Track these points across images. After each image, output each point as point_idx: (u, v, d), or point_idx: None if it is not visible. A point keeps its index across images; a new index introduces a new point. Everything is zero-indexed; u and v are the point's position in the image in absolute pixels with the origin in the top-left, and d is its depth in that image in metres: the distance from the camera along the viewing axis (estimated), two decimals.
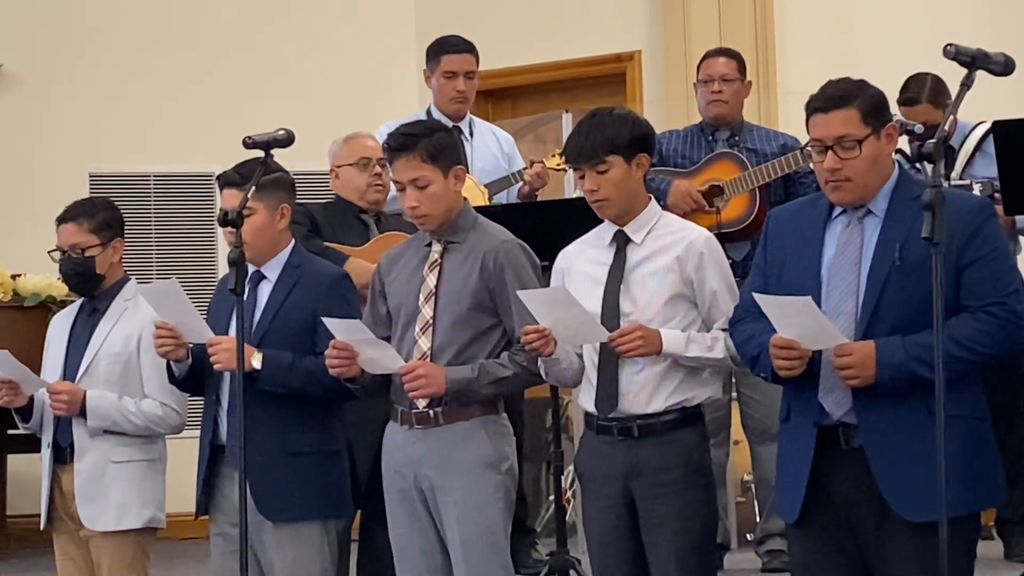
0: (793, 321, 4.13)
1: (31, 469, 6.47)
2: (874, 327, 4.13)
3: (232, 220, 4.95)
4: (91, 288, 5.67)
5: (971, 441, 4.14)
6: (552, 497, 7.03)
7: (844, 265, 4.23)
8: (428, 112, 7.06)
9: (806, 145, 4.32)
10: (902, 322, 4.11)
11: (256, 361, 5.03)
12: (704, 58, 7.02)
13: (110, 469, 5.54)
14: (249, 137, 5.06)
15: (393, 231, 6.24)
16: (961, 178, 6.47)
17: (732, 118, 6.89)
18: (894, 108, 5.32)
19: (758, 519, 6.92)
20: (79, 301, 5.80)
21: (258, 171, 5.04)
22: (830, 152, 4.20)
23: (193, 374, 5.22)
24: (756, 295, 4.23)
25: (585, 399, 4.76)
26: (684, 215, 6.11)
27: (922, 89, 6.61)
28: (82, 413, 5.51)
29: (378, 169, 6.31)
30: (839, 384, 4.16)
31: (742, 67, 6.96)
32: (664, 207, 5.36)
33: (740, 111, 6.95)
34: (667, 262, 4.69)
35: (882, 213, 4.23)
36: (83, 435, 5.54)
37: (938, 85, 6.56)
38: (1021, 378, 6.49)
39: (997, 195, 5.88)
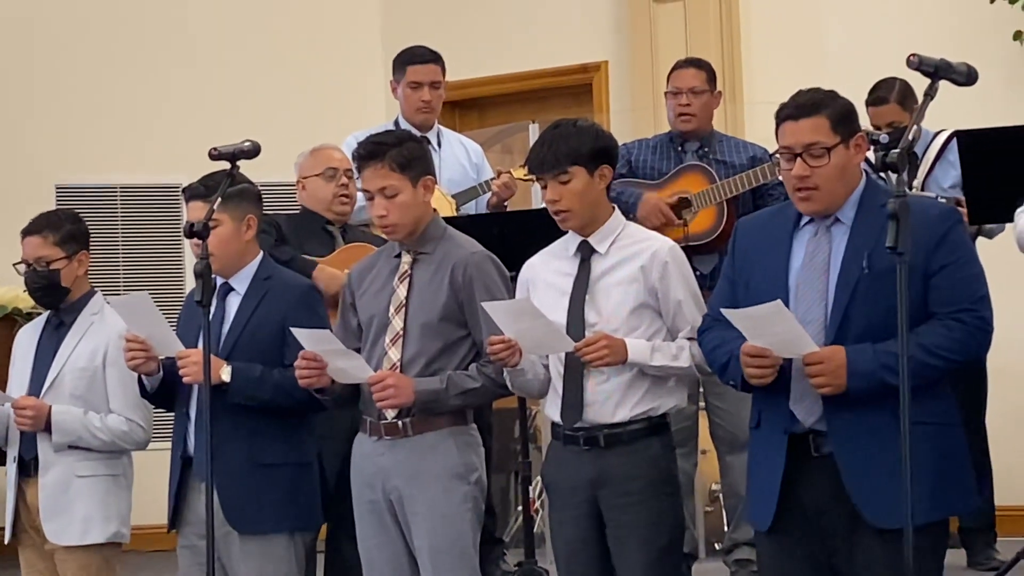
0: (764, 331, 4.13)
1: None
2: (843, 335, 4.13)
3: (198, 232, 4.93)
4: (56, 301, 5.64)
5: (942, 448, 4.14)
6: (520, 507, 7.02)
7: (812, 274, 4.23)
8: (396, 123, 7.04)
9: (775, 152, 4.31)
10: (871, 330, 4.10)
11: (225, 374, 5.01)
12: (673, 69, 6.95)
13: (75, 484, 5.52)
14: (215, 148, 5.04)
15: (359, 243, 6.22)
16: (923, 188, 6.52)
17: (701, 130, 6.85)
18: (863, 118, 5.32)
19: (726, 528, 6.92)
20: (45, 314, 5.77)
21: (224, 182, 5.02)
22: (799, 159, 4.20)
23: (164, 388, 5.20)
24: (725, 311, 4.21)
25: (551, 409, 4.76)
26: (654, 229, 6.08)
27: (891, 90, 6.73)
28: (47, 428, 5.48)
29: (344, 180, 6.30)
30: (810, 392, 4.15)
31: (712, 77, 6.91)
32: (633, 221, 5.35)
33: (710, 122, 6.90)
34: (632, 272, 4.69)
35: (850, 221, 4.23)
36: (48, 449, 5.51)
37: (906, 88, 6.68)
38: (983, 384, 6.52)
39: (961, 208, 5.89)
